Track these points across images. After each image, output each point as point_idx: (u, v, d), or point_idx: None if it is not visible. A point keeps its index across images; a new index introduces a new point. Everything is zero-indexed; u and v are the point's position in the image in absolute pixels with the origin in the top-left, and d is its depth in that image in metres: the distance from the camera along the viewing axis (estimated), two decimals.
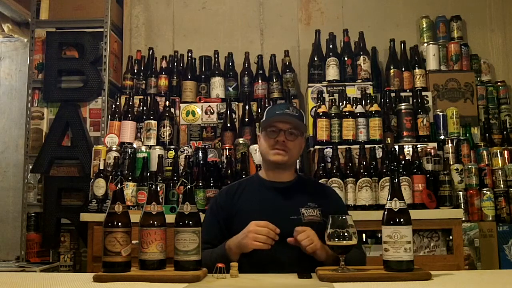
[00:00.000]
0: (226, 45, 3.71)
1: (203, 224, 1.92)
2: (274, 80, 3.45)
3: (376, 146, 3.00)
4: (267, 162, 2.03)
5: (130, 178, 2.95)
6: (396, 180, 1.62)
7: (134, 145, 3.17)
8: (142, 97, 3.42)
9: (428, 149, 3.04)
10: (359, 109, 3.13)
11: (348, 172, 2.89)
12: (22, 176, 3.50)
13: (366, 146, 2.95)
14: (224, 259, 1.78)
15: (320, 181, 2.81)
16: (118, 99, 3.44)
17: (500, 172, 3.25)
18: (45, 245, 3.35)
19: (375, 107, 3.13)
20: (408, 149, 3.05)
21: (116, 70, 3.70)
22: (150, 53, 3.65)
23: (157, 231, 1.61)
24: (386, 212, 1.58)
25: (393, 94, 3.32)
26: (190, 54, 3.60)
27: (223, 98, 3.43)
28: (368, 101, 3.18)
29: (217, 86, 3.47)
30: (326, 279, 1.52)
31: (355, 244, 1.61)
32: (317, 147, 3.06)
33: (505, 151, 3.34)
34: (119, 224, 1.58)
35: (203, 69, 3.59)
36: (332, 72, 3.36)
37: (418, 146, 3.06)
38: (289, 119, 1.95)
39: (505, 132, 3.49)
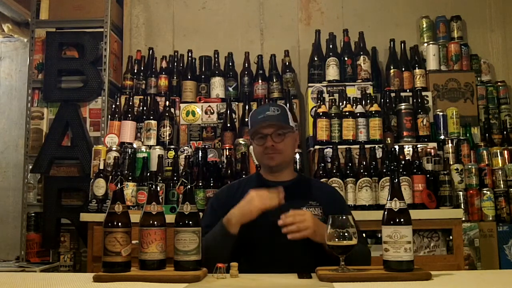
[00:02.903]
0: (226, 45, 3.70)
1: (203, 218, 1.91)
2: (274, 80, 3.45)
3: (376, 146, 3.00)
4: (265, 167, 2.04)
5: (130, 178, 2.95)
6: (396, 180, 1.61)
7: (134, 145, 3.17)
8: (142, 97, 3.42)
9: (428, 149, 3.04)
10: (359, 109, 3.13)
11: (348, 172, 2.90)
12: (22, 176, 3.50)
13: (366, 146, 2.96)
14: (224, 233, 1.78)
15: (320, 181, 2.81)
16: (118, 99, 3.44)
17: (500, 172, 3.25)
18: (45, 245, 3.35)
19: (375, 107, 3.13)
20: (408, 149, 3.05)
21: (116, 70, 3.70)
22: (150, 53, 3.65)
23: (157, 231, 1.61)
24: (386, 212, 1.58)
25: (393, 94, 3.33)
26: (190, 54, 3.60)
27: (223, 98, 3.43)
28: (368, 101, 3.18)
29: (217, 86, 3.47)
30: (326, 279, 1.52)
31: (355, 244, 1.61)
32: (317, 147, 3.06)
33: (505, 151, 3.34)
34: (119, 224, 1.58)
35: (203, 69, 3.59)
36: (332, 72, 3.36)
37: (418, 146, 3.06)
38: (271, 122, 1.93)
39: (505, 132, 3.49)
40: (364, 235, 2.75)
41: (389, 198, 1.60)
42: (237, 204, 1.82)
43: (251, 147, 3.10)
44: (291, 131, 1.99)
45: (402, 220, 1.55)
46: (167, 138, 3.25)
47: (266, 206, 1.76)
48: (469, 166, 3.22)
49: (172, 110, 3.35)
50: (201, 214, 1.74)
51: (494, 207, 3.18)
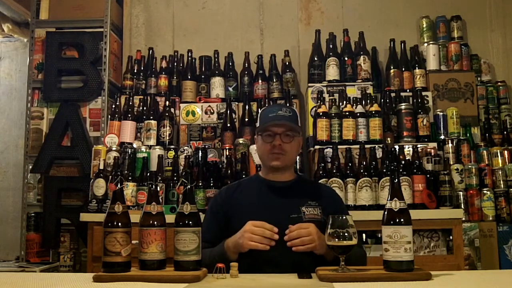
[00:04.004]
0: (226, 45, 3.71)
1: (203, 223, 1.93)
2: (274, 80, 3.45)
3: (376, 146, 3.00)
4: (266, 166, 2.04)
5: (130, 178, 2.95)
6: (396, 180, 1.61)
7: (134, 145, 3.17)
8: (142, 97, 3.42)
9: (428, 149, 3.04)
10: (359, 109, 3.13)
11: (348, 172, 2.89)
12: (22, 176, 3.50)
13: (366, 146, 2.95)
14: (223, 258, 1.79)
15: (320, 181, 2.82)
16: (118, 99, 3.44)
17: (500, 172, 3.25)
18: (45, 245, 3.35)
19: (375, 107, 3.13)
20: (408, 149, 3.05)
21: (116, 70, 3.70)
22: (150, 53, 3.65)
23: (157, 231, 1.61)
24: (386, 212, 1.58)
25: (393, 94, 3.32)
26: (190, 54, 3.60)
27: (223, 98, 3.43)
28: (368, 101, 3.18)
29: (217, 86, 3.47)
30: (326, 279, 1.52)
31: (355, 244, 1.61)
32: (317, 147, 3.06)
33: (505, 151, 3.34)
34: (119, 224, 1.58)
35: (203, 69, 3.58)
36: (332, 72, 3.36)
37: (418, 146, 3.06)
38: (283, 122, 1.95)
39: (505, 132, 3.49)
40: (364, 235, 2.77)
41: (389, 198, 1.60)
42: (236, 234, 1.82)
43: (251, 146, 3.10)
44: (298, 135, 2.01)
45: (402, 220, 1.55)
46: (167, 138, 3.25)
47: (256, 247, 1.75)
48: (469, 166, 3.22)
49: (172, 110, 3.35)
50: (201, 214, 1.74)
51: (494, 207, 3.18)
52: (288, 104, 3.22)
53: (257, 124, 2.06)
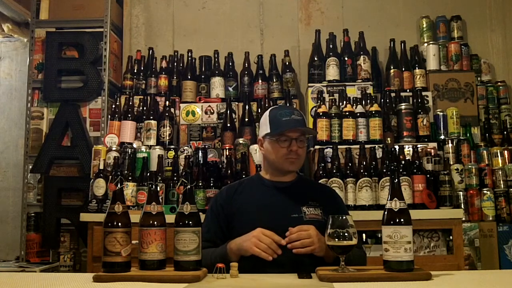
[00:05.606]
0: (226, 45, 3.71)
1: (204, 223, 1.93)
2: (274, 80, 3.45)
3: (376, 146, 3.00)
4: (278, 169, 2.02)
5: (130, 178, 2.95)
6: (396, 180, 1.61)
7: (134, 145, 3.17)
8: (142, 97, 3.42)
9: (428, 149, 3.04)
10: (359, 109, 3.13)
11: (348, 172, 2.89)
12: (22, 176, 3.50)
13: (366, 146, 2.96)
14: (224, 259, 1.79)
15: (320, 181, 2.82)
16: (118, 99, 3.44)
17: (500, 172, 3.25)
18: (45, 245, 3.35)
19: (375, 107, 3.13)
20: (408, 149, 3.05)
21: (116, 70, 3.70)
22: (150, 53, 3.64)
23: (157, 231, 1.61)
24: (386, 212, 1.58)
25: (393, 94, 3.32)
26: (190, 54, 3.60)
27: (223, 98, 3.43)
28: (368, 101, 3.18)
29: (217, 86, 3.47)
30: (326, 279, 1.52)
31: (355, 244, 1.61)
32: (317, 147, 3.06)
33: (505, 151, 3.34)
34: (119, 224, 1.58)
35: (203, 69, 3.58)
36: (332, 72, 3.36)
37: (418, 146, 3.06)
38: (299, 127, 1.96)
39: (505, 132, 3.49)
40: (364, 235, 2.77)
41: (389, 198, 1.60)
42: (242, 237, 1.83)
43: (251, 146, 3.10)
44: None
45: (402, 220, 1.55)
46: (167, 138, 3.25)
47: (259, 254, 1.76)
48: (469, 166, 3.22)
49: (172, 110, 3.35)
50: (201, 214, 1.74)
51: (494, 207, 3.18)
52: (288, 104, 3.22)
53: (265, 127, 2.01)
